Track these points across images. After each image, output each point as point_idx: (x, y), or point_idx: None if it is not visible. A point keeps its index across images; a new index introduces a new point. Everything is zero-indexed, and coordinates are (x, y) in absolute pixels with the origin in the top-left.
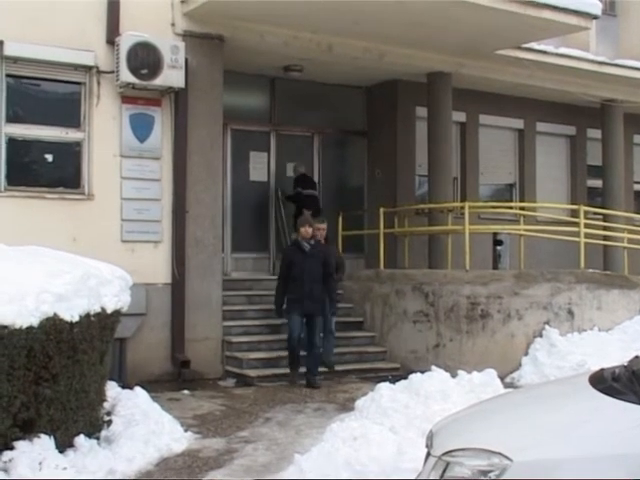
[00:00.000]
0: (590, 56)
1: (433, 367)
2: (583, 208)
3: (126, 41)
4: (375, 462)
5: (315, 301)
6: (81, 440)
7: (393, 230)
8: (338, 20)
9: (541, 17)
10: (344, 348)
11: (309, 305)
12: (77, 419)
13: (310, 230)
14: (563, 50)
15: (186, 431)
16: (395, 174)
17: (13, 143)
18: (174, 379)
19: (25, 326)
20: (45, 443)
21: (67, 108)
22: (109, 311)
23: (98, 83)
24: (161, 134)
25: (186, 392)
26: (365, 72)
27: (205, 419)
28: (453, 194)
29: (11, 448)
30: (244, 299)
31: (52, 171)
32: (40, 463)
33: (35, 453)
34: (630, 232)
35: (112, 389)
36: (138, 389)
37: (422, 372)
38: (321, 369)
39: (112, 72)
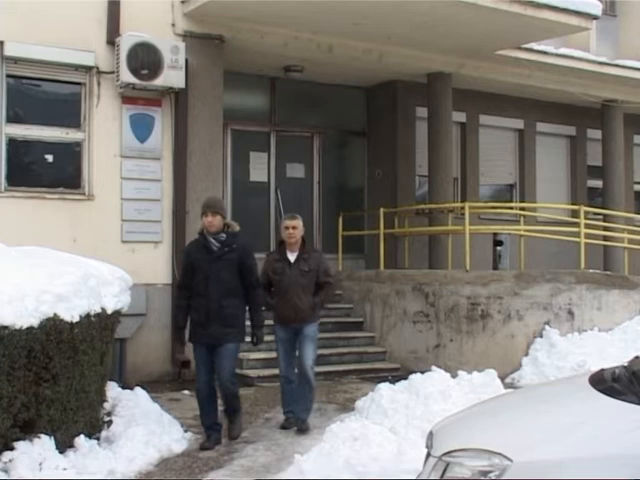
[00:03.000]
0: (590, 56)
1: (433, 367)
2: (583, 208)
3: (126, 41)
4: (375, 462)
5: (226, 325)
6: (81, 440)
7: (393, 230)
8: (338, 21)
9: (541, 18)
10: (344, 348)
11: (217, 330)
12: (77, 419)
13: (215, 220)
14: (563, 50)
15: (186, 431)
16: (395, 174)
17: (13, 143)
18: (174, 379)
19: (25, 326)
20: (45, 443)
21: (67, 108)
22: (109, 311)
23: (98, 83)
24: (161, 134)
25: (186, 392)
26: (365, 72)
27: None
28: (453, 194)
29: (11, 448)
30: None
31: (52, 171)
32: (40, 464)
33: (35, 453)
34: (630, 232)
35: (112, 389)
36: (138, 389)
37: (422, 372)
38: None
39: (112, 72)
